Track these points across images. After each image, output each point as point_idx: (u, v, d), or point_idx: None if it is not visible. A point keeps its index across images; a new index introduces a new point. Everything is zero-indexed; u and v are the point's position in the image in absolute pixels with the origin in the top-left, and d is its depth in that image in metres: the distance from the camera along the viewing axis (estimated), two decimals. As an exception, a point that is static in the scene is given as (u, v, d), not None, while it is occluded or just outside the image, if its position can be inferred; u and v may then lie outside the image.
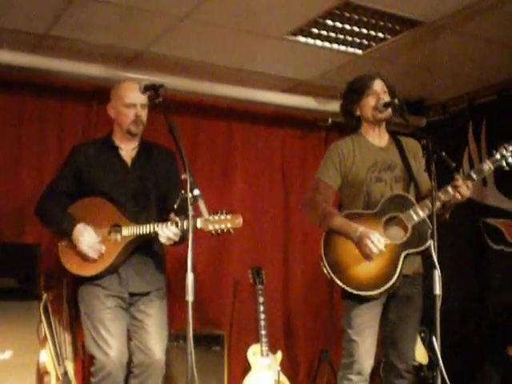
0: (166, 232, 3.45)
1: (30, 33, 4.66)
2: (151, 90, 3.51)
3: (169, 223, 3.46)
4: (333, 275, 3.53)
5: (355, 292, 3.50)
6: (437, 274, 3.15)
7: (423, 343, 5.42)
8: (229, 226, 3.39)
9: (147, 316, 3.69)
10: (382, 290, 3.47)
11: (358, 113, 3.78)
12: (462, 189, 3.43)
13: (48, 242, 4.87)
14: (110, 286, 3.60)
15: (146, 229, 3.53)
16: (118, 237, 3.58)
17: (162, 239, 3.47)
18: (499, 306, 5.51)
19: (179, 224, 3.43)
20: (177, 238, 3.48)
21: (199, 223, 3.38)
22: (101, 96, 5.32)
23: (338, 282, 3.53)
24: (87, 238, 3.56)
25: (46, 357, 4.38)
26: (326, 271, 3.57)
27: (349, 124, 3.88)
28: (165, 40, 4.78)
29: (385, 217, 3.56)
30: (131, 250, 3.61)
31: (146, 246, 3.65)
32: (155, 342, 3.67)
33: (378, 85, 3.73)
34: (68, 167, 3.80)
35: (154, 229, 3.50)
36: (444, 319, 3.11)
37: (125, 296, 3.63)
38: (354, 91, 3.76)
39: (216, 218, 3.36)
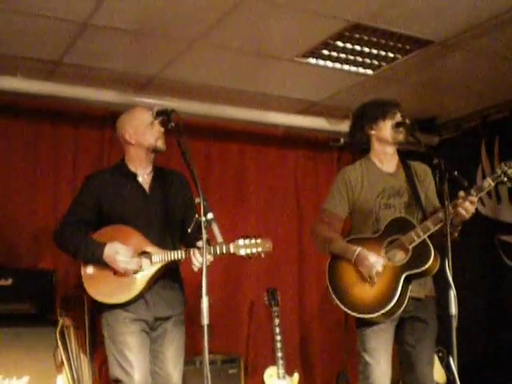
0: (200, 260, 3.44)
1: (43, 60, 4.71)
2: (163, 115, 3.54)
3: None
4: (337, 300, 3.58)
5: (359, 316, 3.52)
6: (452, 293, 3.12)
7: (441, 363, 5.38)
8: (260, 250, 3.44)
9: (167, 340, 3.68)
10: (382, 311, 3.46)
11: (373, 132, 3.78)
12: (466, 206, 3.40)
13: (64, 268, 4.90)
14: (136, 310, 3.57)
15: (176, 255, 3.52)
16: (147, 263, 3.57)
17: (196, 267, 3.47)
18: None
19: (212, 250, 3.44)
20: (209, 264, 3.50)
21: (232, 248, 3.43)
22: (114, 122, 5.34)
23: (342, 306, 3.56)
24: (123, 252, 3.51)
25: (62, 382, 4.39)
26: (329, 295, 3.62)
27: (355, 142, 3.89)
28: (177, 64, 4.82)
29: (387, 240, 3.57)
30: (159, 275, 3.61)
31: (168, 270, 3.65)
32: (173, 366, 3.66)
33: (399, 116, 3.76)
34: (85, 195, 3.72)
35: (185, 255, 3.50)
36: (461, 338, 3.10)
37: (150, 320, 3.63)
38: (378, 110, 3.76)
39: (247, 242, 3.43)
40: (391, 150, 3.79)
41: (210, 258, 3.45)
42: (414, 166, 3.83)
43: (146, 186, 3.74)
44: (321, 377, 5.95)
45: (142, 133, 3.69)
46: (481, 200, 5.53)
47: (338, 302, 3.57)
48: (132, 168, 3.76)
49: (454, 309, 3.12)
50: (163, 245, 3.61)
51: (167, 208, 3.71)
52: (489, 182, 3.46)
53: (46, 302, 4.53)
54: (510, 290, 5.60)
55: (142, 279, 3.55)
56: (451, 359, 3.09)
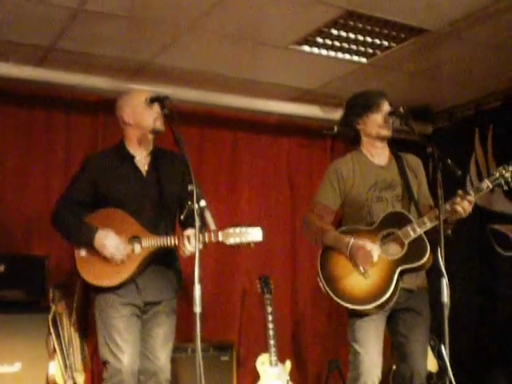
0: (188, 247, 3.45)
1: (35, 46, 4.68)
2: (157, 101, 3.53)
3: (191, 237, 3.44)
4: (328, 290, 3.55)
5: (350, 306, 3.52)
6: (444, 282, 3.14)
7: (433, 351, 5.40)
8: (249, 239, 3.42)
9: (157, 324, 3.69)
10: (376, 304, 3.46)
11: (360, 126, 3.77)
12: (463, 206, 3.42)
13: (56, 255, 4.90)
14: (126, 294, 3.58)
15: (167, 241, 3.52)
16: (138, 248, 3.57)
17: (186, 252, 3.47)
18: (508, 313, 5.49)
19: (201, 238, 3.43)
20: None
21: (220, 236, 3.41)
22: (107, 108, 5.31)
23: (333, 296, 3.54)
24: (112, 241, 3.52)
25: (54, 369, 4.40)
26: (322, 286, 3.59)
27: (345, 134, 3.88)
28: (170, 51, 4.80)
29: (381, 233, 3.56)
30: (149, 261, 3.61)
31: (160, 255, 3.65)
32: (162, 350, 3.68)
33: (386, 105, 3.74)
34: (83, 177, 3.73)
35: (174, 241, 3.49)
36: (452, 327, 3.11)
37: (140, 304, 3.64)
38: (362, 104, 3.75)
39: (237, 231, 3.40)
40: (380, 143, 3.77)
41: (199, 245, 3.45)
42: (406, 158, 3.82)
43: (143, 169, 3.73)
44: (313, 364, 5.97)
45: (140, 113, 3.67)
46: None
47: (330, 293, 3.54)
48: (130, 150, 3.75)
49: (446, 297, 3.13)
50: (156, 230, 3.60)
51: (163, 192, 3.69)
52: (487, 184, 3.49)
53: (39, 289, 4.54)
54: (501, 277, 5.62)
55: (132, 263, 3.55)
56: (443, 347, 3.11)
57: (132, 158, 3.73)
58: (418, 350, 3.61)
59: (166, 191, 3.68)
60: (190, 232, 3.44)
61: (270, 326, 5.19)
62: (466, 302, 5.44)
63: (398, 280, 3.48)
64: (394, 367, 3.74)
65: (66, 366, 4.43)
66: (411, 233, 3.49)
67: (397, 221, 3.56)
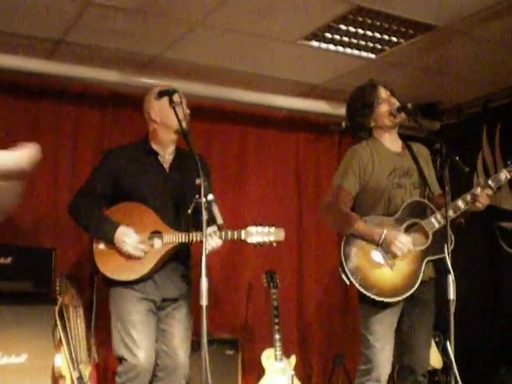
0: (212, 243, 3.45)
1: (45, 39, 4.70)
2: (166, 95, 3.54)
3: (213, 235, 3.45)
4: (354, 281, 3.48)
5: (377, 298, 3.46)
6: (451, 278, 3.15)
7: (438, 348, 5.40)
8: (272, 239, 3.42)
9: (175, 320, 3.70)
10: (404, 296, 3.46)
11: (372, 124, 3.75)
12: (482, 198, 3.44)
13: (63, 247, 4.92)
14: (144, 290, 3.59)
15: (189, 237, 3.51)
16: (159, 243, 3.57)
17: (208, 249, 3.46)
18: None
19: (223, 235, 3.44)
20: (219, 248, 3.51)
21: (243, 235, 3.42)
22: (116, 101, 5.37)
23: (360, 288, 3.48)
24: (131, 238, 3.54)
25: (60, 361, 4.41)
26: (345, 277, 3.51)
27: (361, 138, 3.82)
28: (179, 45, 4.81)
29: (405, 223, 3.54)
30: (169, 257, 3.62)
31: (178, 252, 3.65)
32: (180, 345, 3.68)
33: (383, 91, 3.74)
34: (104, 169, 3.74)
35: (197, 238, 3.48)
36: (458, 323, 3.11)
37: (157, 300, 3.64)
38: (364, 105, 3.73)
39: (260, 230, 3.41)
40: (395, 130, 3.77)
41: (219, 242, 3.46)
42: (415, 147, 3.82)
43: (167, 166, 3.75)
44: (318, 359, 5.98)
45: (167, 113, 3.66)
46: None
47: (356, 284, 3.47)
48: (154, 146, 3.76)
49: (452, 294, 3.14)
50: (176, 226, 3.62)
51: (185, 189, 3.70)
52: (505, 174, 3.51)
53: (46, 281, 4.55)
54: (508, 275, 5.62)
55: (152, 259, 3.57)
56: (448, 344, 3.11)
57: (156, 154, 3.74)
58: (421, 342, 3.61)
59: (187, 189, 3.68)
60: (211, 230, 3.44)
61: (276, 320, 5.19)
62: (473, 299, 5.43)
63: (424, 271, 3.48)
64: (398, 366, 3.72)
65: (72, 358, 4.44)
66: (435, 224, 3.48)
67: (419, 211, 3.55)
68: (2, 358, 4.26)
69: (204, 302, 3.01)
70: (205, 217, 3.11)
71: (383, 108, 3.70)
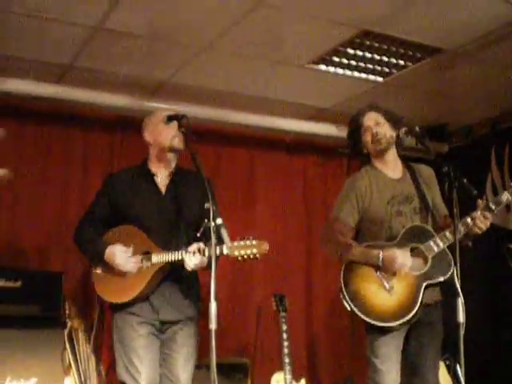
0: (193, 260, 3.45)
1: (54, 64, 4.74)
2: (174, 120, 3.56)
3: (194, 251, 3.45)
4: (353, 307, 3.50)
5: (376, 323, 3.46)
6: (460, 301, 3.14)
7: (448, 371, 5.36)
8: (254, 251, 3.39)
9: (176, 345, 3.67)
10: (402, 321, 3.44)
11: (364, 151, 3.79)
12: (479, 220, 3.43)
13: (72, 271, 4.93)
14: (142, 313, 3.59)
15: (173, 256, 3.51)
16: (148, 264, 3.58)
17: (189, 267, 3.47)
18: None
19: (206, 252, 3.43)
20: (203, 265, 3.48)
21: (225, 249, 3.39)
22: (125, 126, 5.41)
23: (359, 313, 3.49)
24: (120, 253, 3.55)
25: (70, 384, 4.40)
26: (345, 303, 3.55)
27: (365, 162, 3.86)
28: (187, 70, 4.84)
29: (405, 248, 3.54)
30: (161, 277, 3.61)
31: (177, 274, 3.65)
32: (183, 370, 3.66)
33: (369, 119, 3.74)
34: (103, 194, 3.79)
35: (181, 256, 3.49)
36: (469, 347, 3.09)
37: (156, 323, 3.64)
38: (354, 131, 3.79)
39: (242, 243, 3.36)
40: (391, 156, 3.76)
41: (202, 259, 3.44)
42: (418, 169, 3.82)
43: (163, 187, 3.75)
44: (328, 382, 5.94)
45: (158, 132, 3.71)
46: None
47: (355, 310, 3.49)
48: (152, 168, 3.78)
49: (461, 317, 3.12)
50: (168, 246, 3.60)
51: (180, 210, 3.71)
52: (507, 196, 3.50)
53: (55, 304, 4.55)
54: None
55: (142, 279, 3.56)
56: (458, 367, 3.09)
57: (152, 175, 3.76)
58: (429, 364, 3.58)
59: (183, 210, 3.69)
60: (194, 247, 3.45)
61: (285, 343, 5.16)
62: (481, 320, 5.40)
63: (423, 296, 3.46)
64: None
65: (81, 382, 4.43)
66: (434, 248, 3.48)
67: (418, 235, 3.55)
68: (11, 382, 4.25)
69: (213, 325, 3.00)
70: (214, 240, 3.11)
71: (366, 137, 3.73)
